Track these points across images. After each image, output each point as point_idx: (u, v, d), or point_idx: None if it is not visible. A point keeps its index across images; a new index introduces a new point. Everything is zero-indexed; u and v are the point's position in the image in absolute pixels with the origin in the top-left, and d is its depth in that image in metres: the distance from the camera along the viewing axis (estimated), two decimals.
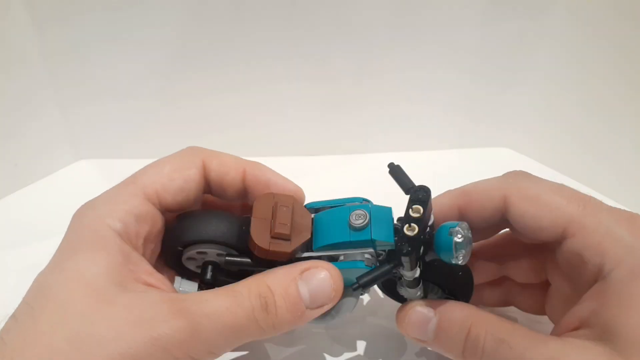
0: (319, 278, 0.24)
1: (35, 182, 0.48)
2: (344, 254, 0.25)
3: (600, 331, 0.21)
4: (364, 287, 0.23)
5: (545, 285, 0.28)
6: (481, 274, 0.30)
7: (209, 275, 0.27)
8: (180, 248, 0.27)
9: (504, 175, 0.26)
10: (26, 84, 0.44)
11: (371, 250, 0.24)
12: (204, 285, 0.27)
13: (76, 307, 0.21)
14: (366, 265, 0.24)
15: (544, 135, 0.51)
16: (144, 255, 0.25)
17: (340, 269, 0.24)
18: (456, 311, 0.24)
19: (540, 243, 0.25)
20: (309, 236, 0.25)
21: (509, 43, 0.48)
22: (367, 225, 0.24)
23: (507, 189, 0.25)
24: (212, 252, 0.26)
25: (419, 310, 0.25)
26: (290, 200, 0.26)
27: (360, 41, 0.47)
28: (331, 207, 0.27)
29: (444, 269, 0.25)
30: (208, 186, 0.28)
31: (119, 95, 0.48)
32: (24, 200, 0.46)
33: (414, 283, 0.25)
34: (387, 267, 0.24)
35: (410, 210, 0.24)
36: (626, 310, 0.21)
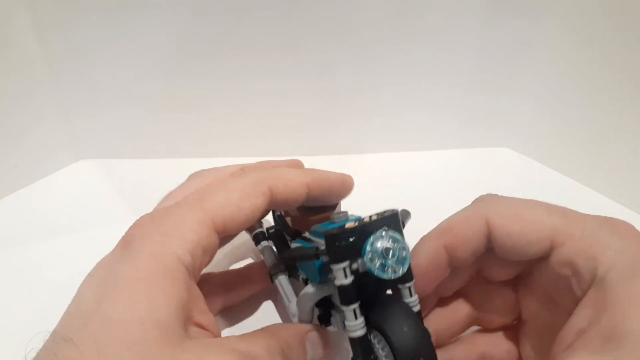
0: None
1: (35, 182, 0.48)
2: (314, 241, 0.26)
3: (601, 340, 0.20)
4: (285, 260, 0.24)
5: (517, 329, 0.27)
6: (453, 326, 0.28)
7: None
8: None
9: (475, 202, 0.26)
10: (26, 85, 0.44)
11: (322, 241, 0.23)
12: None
13: (149, 349, 0.19)
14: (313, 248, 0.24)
15: (544, 135, 0.51)
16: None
17: (300, 244, 0.26)
18: None
19: (526, 261, 0.25)
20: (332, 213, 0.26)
21: (509, 44, 0.48)
22: (340, 221, 0.24)
23: (486, 214, 0.24)
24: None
25: None
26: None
27: (360, 42, 0.47)
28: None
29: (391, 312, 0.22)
30: (270, 206, 0.27)
31: (119, 95, 0.48)
32: (24, 200, 0.46)
33: (343, 298, 0.22)
34: (312, 248, 0.23)
35: (370, 215, 0.23)
36: (628, 312, 0.19)
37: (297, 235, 0.29)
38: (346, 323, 0.22)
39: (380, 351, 0.22)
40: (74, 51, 0.45)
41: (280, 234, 0.32)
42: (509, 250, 0.24)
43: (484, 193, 0.27)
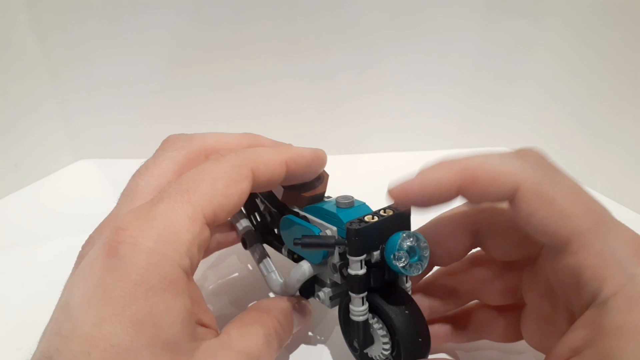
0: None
1: (35, 182, 0.48)
2: (315, 222, 0.26)
3: None
4: (302, 244, 0.24)
5: (519, 308, 0.27)
6: (450, 303, 0.28)
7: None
8: None
9: (517, 154, 0.23)
10: (27, 85, 0.44)
11: (334, 228, 0.25)
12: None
13: None
14: (320, 231, 0.26)
15: (543, 136, 0.51)
16: None
17: (301, 224, 0.26)
18: None
19: (534, 246, 0.24)
20: (307, 195, 0.28)
21: (508, 45, 0.48)
22: (347, 207, 0.25)
23: (520, 178, 0.22)
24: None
25: None
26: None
27: (360, 43, 0.47)
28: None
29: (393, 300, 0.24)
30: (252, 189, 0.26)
31: (119, 95, 0.48)
32: (24, 200, 0.46)
33: (355, 287, 0.24)
34: (332, 239, 0.24)
35: (382, 209, 0.24)
36: (625, 341, 0.19)
37: (284, 209, 0.29)
38: (352, 308, 0.24)
39: (378, 332, 0.24)
40: (74, 52, 0.45)
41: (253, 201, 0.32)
42: (524, 227, 0.22)
43: None
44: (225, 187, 0.23)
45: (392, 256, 0.22)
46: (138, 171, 0.26)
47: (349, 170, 0.51)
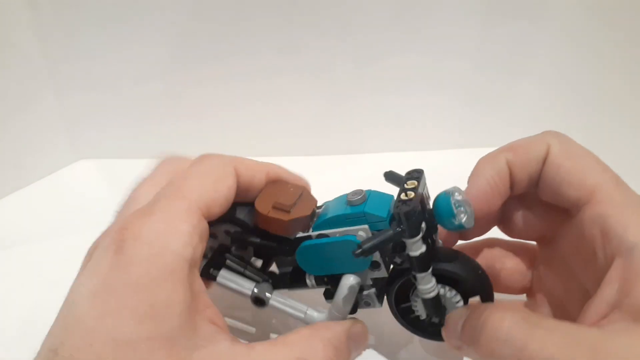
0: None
1: (35, 182, 0.48)
2: (339, 232, 0.25)
3: (636, 311, 0.20)
4: (366, 252, 0.22)
5: (532, 294, 0.27)
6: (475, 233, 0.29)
7: (216, 258, 0.27)
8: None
9: (543, 133, 0.26)
10: (27, 84, 0.44)
11: (365, 226, 0.24)
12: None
13: None
14: (357, 238, 0.24)
15: None
16: None
17: (332, 242, 0.25)
18: (487, 308, 0.23)
19: (554, 220, 0.25)
20: (309, 213, 0.26)
21: (509, 44, 0.48)
22: (363, 201, 0.25)
23: (550, 141, 0.25)
24: (221, 232, 0.27)
25: (457, 311, 0.25)
26: (300, 188, 0.27)
27: (360, 42, 0.47)
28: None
29: (451, 259, 0.25)
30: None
31: (119, 96, 0.48)
32: (24, 200, 0.46)
33: (423, 266, 0.24)
34: (389, 232, 0.23)
35: (405, 184, 0.24)
36: None
37: (267, 237, 0.26)
38: (422, 288, 0.24)
39: (452, 299, 0.25)
40: (74, 52, 0.45)
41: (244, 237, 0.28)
42: (549, 184, 0.24)
43: None
44: (213, 183, 0.24)
45: (452, 217, 0.22)
46: (136, 185, 0.27)
47: (348, 170, 0.51)
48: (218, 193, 0.24)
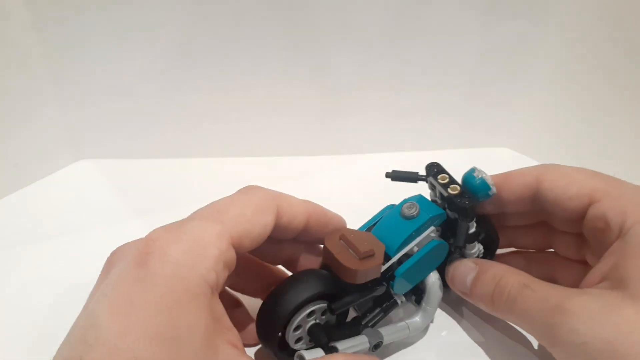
0: None
1: (35, 182, 0.48)
2: (415, 245, 0.28)
3: (617, 281, 0.23)
4: (469, 240, 0.29)
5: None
6: (521, 219, 0.32)
7: (323, 337, 0.26)
8: (279, 331, 0.26)
9: (536, 166, 0.30)
10: (26, 84, 0.44)
11: (432, 228, 0.28)
12: (327, 348, 0.26)
13: None
14: (437, 240, 0.28)
15: (544, 136, 0.51)
16: None
17: (424, 254, 0.28)
18: (493, 266, 0.28)
19: (570, 217, 0.28)
20: (384, 247, 0.27)
21: (509, 44, 0.48)
22: (419, 211, 0.28)
23: (539, 172, 0.29)
24: (319, 309, 0.26)
25: (466, 262, 0.30)
26: (349, 230, 0.28)
27: (360, 42, 0.47)
28: (375, 223, 0.30)
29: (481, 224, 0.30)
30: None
31: (120, 95, 0.48)
32: (24, 200, 0.46)
33: (473, 237, 0.29)
34: (465, 223, 0.28)
35: (438, 180, 0.28)
36: (636, 260, 0.23)
37: (361, 289, 0.27)
38: (468, 252, 0.30)
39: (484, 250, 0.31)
40: (74, 50, 0.45)
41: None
42: (552, 202, 0.28)
43: None
44: (252, 215, 0.24)
45: (488, 191, 0.28)
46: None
47: (349, 170, 0.51)
48: (254, 226, 0.24)
